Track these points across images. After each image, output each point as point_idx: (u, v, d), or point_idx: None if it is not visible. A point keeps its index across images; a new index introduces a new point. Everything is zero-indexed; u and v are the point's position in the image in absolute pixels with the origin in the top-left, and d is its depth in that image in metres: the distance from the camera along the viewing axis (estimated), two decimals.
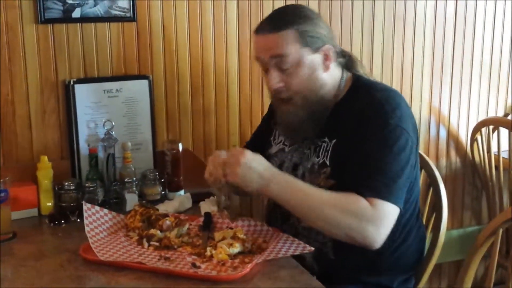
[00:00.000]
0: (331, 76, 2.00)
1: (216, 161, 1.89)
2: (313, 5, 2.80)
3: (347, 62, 2.09)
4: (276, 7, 2.65)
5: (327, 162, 1.96)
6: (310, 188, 1.85)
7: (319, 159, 1.99)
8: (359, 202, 1.79)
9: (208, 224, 2.04)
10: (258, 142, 2.31)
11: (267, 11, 2.70)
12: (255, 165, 1.82)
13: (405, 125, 1.90)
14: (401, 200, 1.84)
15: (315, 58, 1.95)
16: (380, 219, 1.79)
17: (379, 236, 1.80)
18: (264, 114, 2.48)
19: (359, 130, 1.90)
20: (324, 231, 1.88)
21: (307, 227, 1.97)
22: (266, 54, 1.96)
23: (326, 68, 1.97)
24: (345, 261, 1.96)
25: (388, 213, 1.81)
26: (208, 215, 2.07)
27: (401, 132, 1.87)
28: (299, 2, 2.76)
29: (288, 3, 2.75)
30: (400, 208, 1.83)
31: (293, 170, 2.08)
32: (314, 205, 1.82)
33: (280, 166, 2.12)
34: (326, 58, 1.96)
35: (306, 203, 1.83)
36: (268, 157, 2.18)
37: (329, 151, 1.96)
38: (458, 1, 3.15)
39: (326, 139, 1.99)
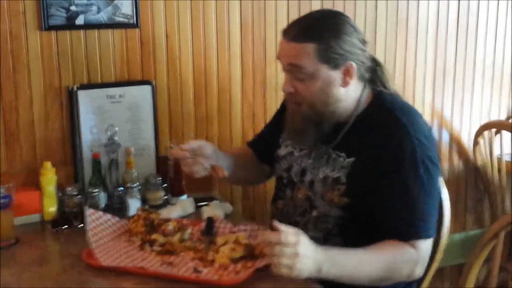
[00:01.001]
0: (349, 92, 1.95)
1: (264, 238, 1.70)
2: (317, 8, 2.80)
3: (374, 76, 2.02)
4: (278, 18, 2.70)
5: (343, 179, 1.94)
6: (358, 257, 1.80)
7: (333, 172, 1.97)
8: (405, 252, 1.82)
9: (210, 229, 2.05)
10: (264, 140, 2.29)
11: (270, 20, 2.73)
12: (310, 253, 1.67)
13: (431, 150, 1.89)
14: (435, 227, 1.90)
15: (332, 74, 1.90)
16: (424, 258, 1.86)
17: (422, 272, 1.88)
18: (273, 114, 2.41)
19: (385, 157, 1.87)
20: (374, 285, 1.86)
21: (313, 236, 1.91)
22: (284, 60, 1.95)
23: (345, 84, 1.92)
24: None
25: (428, 249, 1.87)
26: (210, 220, 2.07)
27: (430, 161, 1.87)
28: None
29: (292, 16, 2.77)
30: (434, 236, 1.90)
31: (301, 176, 2.07)
32: (366, 273, 1.80)
33: (288, 170, 2.12)
34: (346, 74, 1.91)
35: (361, 275, 1.80)
36: (276, 159, 2.19)
37: (347, 168, 1.94)
38: (460, 5, 3.16)
39: (343, 154, 1.96)
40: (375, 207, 1.88)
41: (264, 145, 2.29)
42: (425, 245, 1.85)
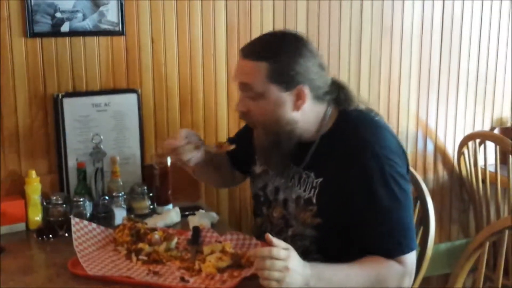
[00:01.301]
0: (307, 114, 1.93)
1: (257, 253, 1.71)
2: (301, 18, 2.82)
3: (339, 98, 2.00)
4: (264, 25, 2.70)
5: (314, 200, 1.94)
6: (344, 272, 1.80)
7: (305, 193, 1.97)
8: (391, 267, 1.83)
9: (197, 238, 2.04)
10: (239, 149, 2.18)
11: (256, 27, 2.73)
12: (300, 269, 1.69)
13: (401, 167, 1.89)
14: (415, 239, 1.93)
15: (283, 96, 1.88)
16: (411, 270, 1.87)
17: (411, 281, 1.89)
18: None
19: (351, 176, 1.86)
20: None
21: (296, 246, 1.96)
22: (236, 78, 1.96)
23: (297, 108, 1.90)
24: None
25: (413, 260, 1.89)
26: (196, 229, 2.07)
27: (401, 176, 1.87)
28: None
29: (278, 22, 2.77)
30: (416, 247, 1.91)
31: (275, 194, 2.08)
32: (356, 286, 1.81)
33: (263, 188, 2.13)
34: (298, 97, 1.89)
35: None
36: (253, 177, 2.21)
37: (316, 189, 1.94)
38: (444, 14, 3.18)
39: (312, 174, 1.96)
40: (351, 227, 1.88)
41: (238, 153, 2.22)
42: (410, 258, 1.86)
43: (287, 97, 1.89)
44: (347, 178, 1.87)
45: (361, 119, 1.99)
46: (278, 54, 1.88)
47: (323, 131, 1.97)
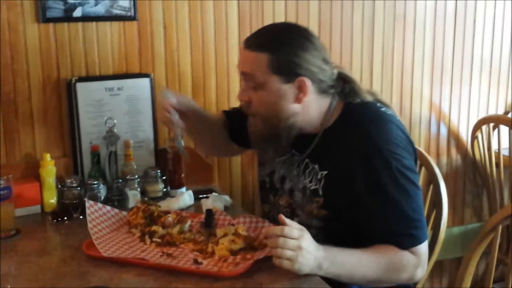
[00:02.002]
0: (310, 107, 1.93)
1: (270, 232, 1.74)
2: (313, 6, 2.82)
3: (344, 91, 1.99)
4: (276, 11, 2.70)
5: (320, 192, 1.94)
6: (357, 257, 1.81)
7: (311, 184, 1.97)
8: (403, 257, 1.83)
9: (210, 221, 2.05)
10: (240, 120, 2.16)
11: (268, 13, 2.73)
12: (312, 249, 1.71)
13: (408, 160, 1.88)
14: (426, 231, 1.91)
15: (284, 88, 1.88)
16: (423, 261, 1.87)
17: (423, 273, 1.89)
18: None
19: (357, 170, 1.85)
20: (374, 286, 1.89)
21: (311, 233, 1.96)
22: (240, 68, 1.96)
23: (298, 100, 1.90)
24: None
25: (425, 251, 1.88)
26: (209, 212, 2.08)
27: (407, 168, 1.86)
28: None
29: (290, 10, 2.77)
30: (427, 238, 1.90)
31: (281, 183, 2.08)
32: (367, 273, 1.81)
33: (270, 175, 2.13)
34: (299, 90, 1.89)
35: (358, 274, 1.81)
36: (260, 162, 2.22)
37: (321, 181, 1.94)
38: (458, 0, 3.16)
39: (316, 167, 1.96)
40: (360, 221, 1.88)
41: (238, 123, 2.21)
42: (423, 249, 1.86)
43: (288, 89, 1.89)
44: (354, 174, 1.86)
45: (366, 112, 1.97)
46: (280, 45, 1.88)
47: (327, 125, 1.97)
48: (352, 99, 1.98)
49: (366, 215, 1.87)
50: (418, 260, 1.84)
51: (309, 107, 1.93)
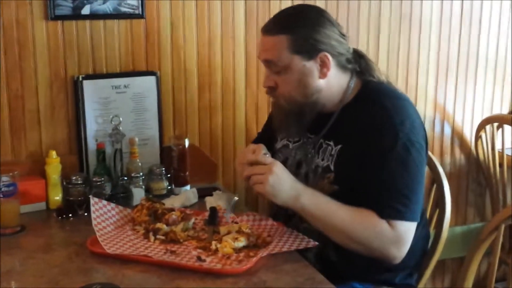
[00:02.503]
0: (331, 83, 1.97)
1: (242, 160, 1.88)
2: (319, 3, 2.81)
3: (361, 67, 2.04)
4: (283, 6, 2.70)
5: (332, 167, 1.96)
6: (336, 205, 1.86)
7: (323, 162, 1.99)
8: (378, 224, 1.83)
9: (214, 218, 2.07)
10: (266, 136, 2.30)
11: (274, 10, 2.72)
12: (286, 176, 1.81)
13: (416, 136, 1.89)
14: (418, 214, 1.89)
15: (307, 65, 1.93)
16: (400, 239, 1.84)
17: (400, 254, 1.86)
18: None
19: (368, 141, 1.88)
20: (346, 246, 1.89)
21: (308, 228, 1.97)
22: (261, 56, 1.99)
23: (323, 75, 1.94)
24: (347, 262, 1.96)
25: (407, 232, 1.86)
26: (213, 210, 2.09)
27: (412, 145, 1.86)
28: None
29: (296, 2, 2.77)
30: (417, 221, 1.88)
31: (297, 168, 2.09)
32: (339, 223, 1.84)
33: (284, 163, 2.11)
34: (322, 65, 1.93)
35: (331, 221, 1.85)
36: (273, 152, 2.20)
37: (334, 156, 1.96)
38: (464, 0, 3.16)
39: (332, 143, 1.99)
40: (359, 189, 1.89)
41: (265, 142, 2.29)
42: (402, 226, 1.84)
43: (312, 66, 1.93)
44: (363, 142, 1.89)
45: (383, 90, 2.02)
46: (297, 25, 1.92)
47: (345, 102, 2.00)
48: (368, 75, 2.04)
49: (364, 181, 1.87)
50: (394, 236, 1.83)
51: (331, 82, 1.97)
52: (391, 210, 1.83)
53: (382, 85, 2.05)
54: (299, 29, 1.92)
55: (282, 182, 1.80)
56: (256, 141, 2.37)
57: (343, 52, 1.98)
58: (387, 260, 1.87)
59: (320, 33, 1.92)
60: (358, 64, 2.04)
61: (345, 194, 1.91)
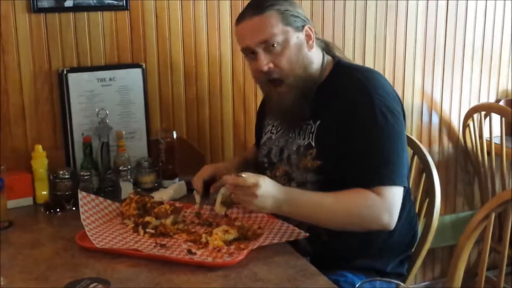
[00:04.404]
0: (315, 55, 2.03)
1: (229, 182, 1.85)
2: None
3: (325, 46, 2.12)
4: None
5: (313, 143, 1.98)
6: (320, 198, 1.87)
7: (304, 140, 2.01)
8: (368, 197, 1.83)
9: (208, 191, 2.08)
10: (259, 140, 2.31)
11: None
12: (270, 192, 1.81)
13: (390, 102, 1.93)
14: (405, 178, 1.90)
15: (299, 36, 1.98)
16: (390, 205, 1.85)
17: (392, 219, 1.87)
18: (257, 107, 2.51)
19: (345, 112, 1.92)
20: (343, 230, 1.90)
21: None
22: (254, 39, 1.96)
23: (310, 47, 2.00)
24: (338, 241, 1.97)
25: (395, 196, 1.87)
26: (207, 184, 2.09)
27: (389, 111, 1.90)
28: None
29: None
30: (405, 186, 1.89)
31: (280, 155, 2.10)
32: (327, 214, 1.87)
33: (268, 154, 2.16)
34: (308, 37, 2.00)
35: (319, 216, 1.87)
36: (259, 148, 2.24)
37: (314, 133, 1.99)
38: None
39: (310, 122, 2.01)
40: (342, 162, 1.90)
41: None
42: (391, 192, 1.85)
43: (302, 37, 1.99)
44: (340, 114, 1.93)
45: (356, 66, 2.13)
46: (278, 2, 1.96)
47: (320, 81, 2.04)
48: (335, 54, 2.11)
49: (346, 152, 1.89)
50: (382, 202, 1.83)
51: (314, 55, 2.04)
52: (376, 176, 1.85)
53: (353, 64, 2.17)
54: (283, 3, 1.97)
55: (266, 200, 1.80)
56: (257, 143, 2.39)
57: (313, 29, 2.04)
58: (381, 229, 1.88)
59: (298, 9, 2.01)
60: (325, 45, 2.13)
61: (329, 168, 1.94)
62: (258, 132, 2.36)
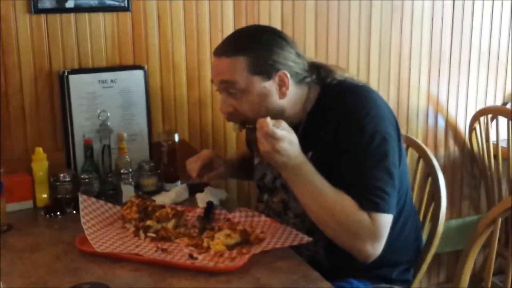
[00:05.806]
0: (290, 101, 1.94)
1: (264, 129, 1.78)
2: None
3: (320, 76, 2.01)
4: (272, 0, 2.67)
5: None
6: (322, 187, 1.82)
7: None
8: (361, 214, 1.79)
9: (208, 214, 2.03)
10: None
11: (263, 2, 2.69)
12: (286, 152, 1.75)
13: (382, 126, 1.86)
14: (394, 206, 1.86)
15: (267, 86, 1.89)
16: (378, 234, 1.81)
17: (374, 252, 1.82)
18: None
19: (336, 140, 1.87)
20: (323, 228, 1.86)
21: (297, 225, 1.98)
22: (216, 78, 1.94)
23: (282, 95, 1.91)
24: (339, 266, 1.94)
25: (384, 225, 1.82)
26: (210, 204, 2.06)
27: (380, 135, 1.84)
28: None
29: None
30: (393, 214, 1.85)
31: (273, 183, 2.09)
32: (325, 199, 1.81)
33: (262, 178, 2.14)
34: (281, 84, 1.90)
35: (316, 200, 1.82)
36: (253, 168, 2.21)
37: None
38: None
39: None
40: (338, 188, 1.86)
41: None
42: (382, 220, 1.81)
43: (271, 86, 1.89)
44: (332, 144, 1.87)
45: (343, 88, 1.98)
46: (255, 46, 1.88)
47: (308, 109, 1.98)
48: (329, 80, 2.00)
49: (339, 180, 1.83)
50: (373, 229, 1.79)
51: (292, 99, 1.94)
52: (369, 202, 1.80)
53: (341, 84, 2.00)
54: (257, 50, 1.88)
55: (277, 157, 1.74)
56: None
57: (299, 72, 1.94)
58: (359, 254, 1.83)
59: (278, 54, 1.89)
60: (317, 74, 2.01)
61: None
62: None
